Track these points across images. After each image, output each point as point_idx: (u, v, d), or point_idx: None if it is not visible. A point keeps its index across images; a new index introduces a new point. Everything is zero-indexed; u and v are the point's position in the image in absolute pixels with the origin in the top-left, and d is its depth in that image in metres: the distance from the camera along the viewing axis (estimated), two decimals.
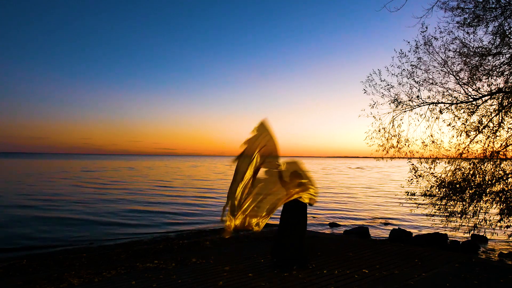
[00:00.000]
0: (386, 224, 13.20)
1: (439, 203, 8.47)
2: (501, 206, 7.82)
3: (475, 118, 8.38)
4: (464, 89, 8.48)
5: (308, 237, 8.03)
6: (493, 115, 8.18)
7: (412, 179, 8.85)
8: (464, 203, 8.21)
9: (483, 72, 8.14)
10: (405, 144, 8.98)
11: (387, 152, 9.17)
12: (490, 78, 8.09)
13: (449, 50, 8.43)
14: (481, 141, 8.27)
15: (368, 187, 29.17)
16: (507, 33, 7.61)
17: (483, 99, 8.32)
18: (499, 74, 7.94)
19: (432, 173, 8.67)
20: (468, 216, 8.30)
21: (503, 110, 8.02)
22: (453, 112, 8.53)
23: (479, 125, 8.26)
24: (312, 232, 9.12)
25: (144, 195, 21.32)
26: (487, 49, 7.96)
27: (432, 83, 8.73)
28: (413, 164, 8.85)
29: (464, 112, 8.45)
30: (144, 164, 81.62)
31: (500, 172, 8.04)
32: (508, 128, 8.03)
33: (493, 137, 8.14)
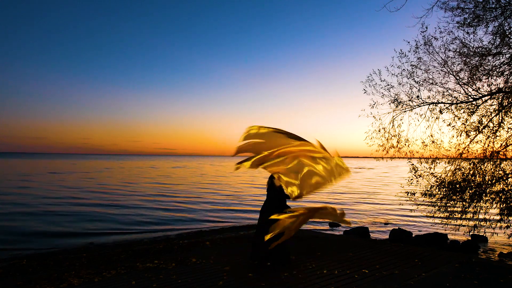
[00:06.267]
0: (386, 224, 13.20)
1: (439, 203, 8.48)
2: (501, 206, 7.82)
3: (475, 118, 8.41)
4: (464, 89, 8.49)
5: (308, 237, 8.03)
6: (493, 115, 8.18)
7: (412, 179, 8.85)
8: (464, 203, 8.21)
9: (483, 72, 8.14)
10: (405, 144, 9.01)
11: (387, 152, 9.19)
12: (490, 78, 8.11)
13: (449, 50, 8.46)
14: (481, 141, 8.28)
15: (367, 187, 29.16)
16: (507, 33, 7.61)
17: (483, 99, 8.33)
18: (499, 74, 7.94)
19: (432, 173, 8.68)
20: (468, 216, 8.31)
21: (503, 110, 8.02)
22: (453, 112, 8.55)
23: (479, 125, 8.26)
24: (312, 232, 9.11)
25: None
26: (487, 49, 7.96)
27: (432, 83, 8.75)
28: (413, 164, 8.86)
29: (464, 112, 8.46)
30: (134, 164, 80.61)
31: (500, 172, 8.05)
32: (508, 128, 8.03)
33: (493, 137, 8.14)
